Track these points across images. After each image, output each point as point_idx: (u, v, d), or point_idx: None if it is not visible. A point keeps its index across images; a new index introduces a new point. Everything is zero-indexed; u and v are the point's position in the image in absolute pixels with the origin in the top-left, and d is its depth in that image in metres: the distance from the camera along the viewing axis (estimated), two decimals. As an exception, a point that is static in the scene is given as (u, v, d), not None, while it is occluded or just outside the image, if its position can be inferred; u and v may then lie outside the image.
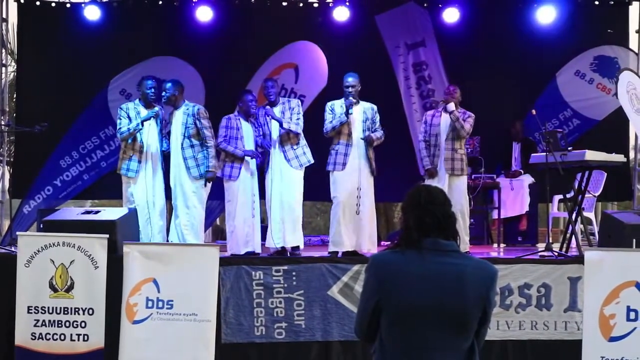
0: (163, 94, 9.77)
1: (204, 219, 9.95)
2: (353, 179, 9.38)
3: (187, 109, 9.68)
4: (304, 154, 9.66)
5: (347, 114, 9.34)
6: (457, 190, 9.86)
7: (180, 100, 9.77)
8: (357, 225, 9.38)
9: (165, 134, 9.87)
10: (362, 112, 9.51)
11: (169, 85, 9.75)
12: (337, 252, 9.33)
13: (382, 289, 3.75)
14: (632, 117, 10.67)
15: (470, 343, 3.76)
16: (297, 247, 9.62)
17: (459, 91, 10.06)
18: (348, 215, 9.38)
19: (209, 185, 9.68)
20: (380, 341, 3.80)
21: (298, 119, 9.62)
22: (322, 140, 9.77)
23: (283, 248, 9.52)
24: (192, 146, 9.62)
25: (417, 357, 3.70)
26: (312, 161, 9.69)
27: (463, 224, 9.75)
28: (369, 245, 9.41)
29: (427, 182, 9.93)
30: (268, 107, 9.68)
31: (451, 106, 9.89)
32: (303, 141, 9.73)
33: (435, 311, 3.68)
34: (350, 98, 9.40)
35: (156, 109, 9.79)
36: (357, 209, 9.35)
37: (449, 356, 3.71)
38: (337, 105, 9.51)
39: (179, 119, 9.69)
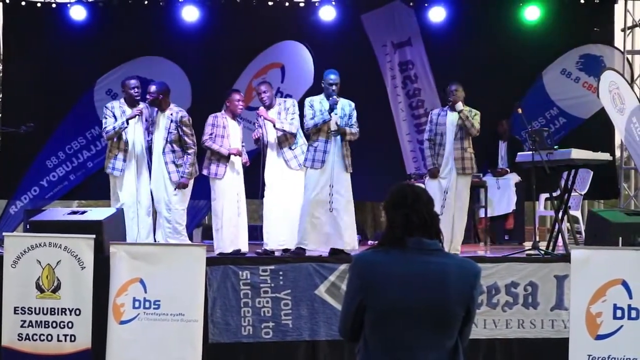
0: (147, 96, 9.75)
1: (192, 218, 9.95)
2: (326, 176, 9.23)
3: (171, 115, 9.65)
4: (303, 153, 9.58)
5: (330, 112, 9.20)
6: (463, 189, 9.72)
7: (166, 104, 9.73)
8: (332, 222, 9.21)
9: (151, 132, 9.85)
10: (341, 109, 9.35)
11: (153, 87, 9.72)
12: (304, 249, 9.19)
13: (366, 288, 3.74)
14: (614, 117, 10.69)
15: (454, 342, 3.76)
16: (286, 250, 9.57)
17: (461, 88, 9.89)
18: (320, 214, 9.23)
19: (189, 187, 9.66)
20: (364, 341, 3.78)
21: (293, 118, 9.58)
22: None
23: (266, 251, 9.51)
24: (173, 151, 9.61)
25: (401, 356, 3.69)
26: None
27: (463, 223, 9.71)
28: (349, 242, 9.22)
29: (428, 181, 9.84)
30: (261, 108, 9.66)
31: (459, 105, 9.72)
32: (301, 140, 9.68)
33: (419, 310, 3.68)
34: (335, 97, 9.28)
35: (141, 106, 9.77)
36: (329, 206, 9.24)
37: (433, 355, 3.70)
38: (316, 102, 9.37)
39: (162, 123, 9.67)
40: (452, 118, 9.77)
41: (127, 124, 9.61)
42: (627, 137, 10.77)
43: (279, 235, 9.48)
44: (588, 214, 10.14)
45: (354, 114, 9.42)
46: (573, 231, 10.43)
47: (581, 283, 7.48)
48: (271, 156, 9.63)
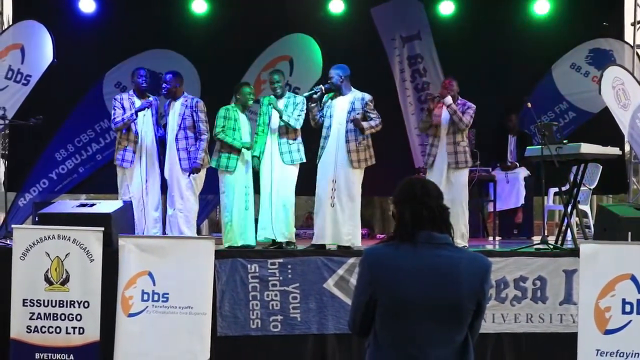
0: (164, 85, 9.78)
1: (200, 210, 9.96)
2: (328, 171, 9.27)
3: (186, 101, 9.72)
4: (298, 150, 9.61)
5: (312, 94, 9.32)
6: (457, 183, 9.72)
7: (180, 92, 9.78)
8: (333, 217, 9.24)
9: (161, 126, 9.88)
10: (349, 102, 9.34)
11: (169, 76, 9.77)
12: (323, 245, 9.24)
13: (376, 282, 3.74)
14: (617, 113, 10.66)
15: (464, 336, 3.75)
16: (290, 243, 9.58)
17: (455, 83, 9.91)
18: (323, 208, 9.27)
19: (202, 176, 9.69)
20: (375, 335, 3.79)
21: (299, 115, 9.57)
22: (313, 134, 9.70)
23: (273, 241, 9.52)
24: (186, 138, 9.64)
25: (411, 350, 3.69)
26: (304, 160, 9.64)
27: (463, 218, 9.70)
28: (348, 238, 9.23)
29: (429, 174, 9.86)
30: (272, 96, 9.66)
31: (448, 100, 9.74)
32: (300, 139, 9.69)
33: (429, 304, 3.67)
34: (321, 86, 9.35)
35: (150, 99, 9.80)
36: (331, 201, 9.25)
37: (443, 350, 3.70)
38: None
39: (177, 109, 9.70)
40: (445, 112, 9.80)
41: (136, 115, 9.62)
42: (630, 132, 10.74)
43: (267, 228, 9.51)
44: (597, 208, 10.12)
45: (370, 106, 9.37)
46: (582, 226, 10.41)
47: (590, 277, 7.46)
48: (268, 147, 9.62)
